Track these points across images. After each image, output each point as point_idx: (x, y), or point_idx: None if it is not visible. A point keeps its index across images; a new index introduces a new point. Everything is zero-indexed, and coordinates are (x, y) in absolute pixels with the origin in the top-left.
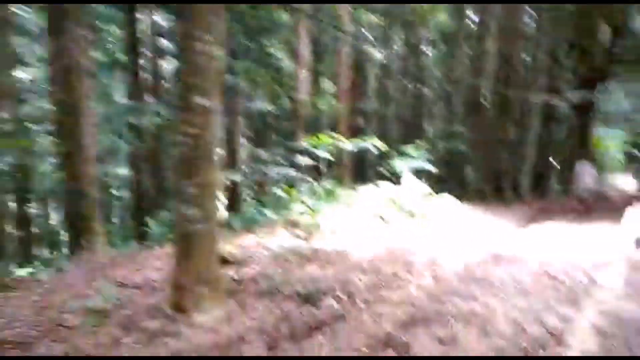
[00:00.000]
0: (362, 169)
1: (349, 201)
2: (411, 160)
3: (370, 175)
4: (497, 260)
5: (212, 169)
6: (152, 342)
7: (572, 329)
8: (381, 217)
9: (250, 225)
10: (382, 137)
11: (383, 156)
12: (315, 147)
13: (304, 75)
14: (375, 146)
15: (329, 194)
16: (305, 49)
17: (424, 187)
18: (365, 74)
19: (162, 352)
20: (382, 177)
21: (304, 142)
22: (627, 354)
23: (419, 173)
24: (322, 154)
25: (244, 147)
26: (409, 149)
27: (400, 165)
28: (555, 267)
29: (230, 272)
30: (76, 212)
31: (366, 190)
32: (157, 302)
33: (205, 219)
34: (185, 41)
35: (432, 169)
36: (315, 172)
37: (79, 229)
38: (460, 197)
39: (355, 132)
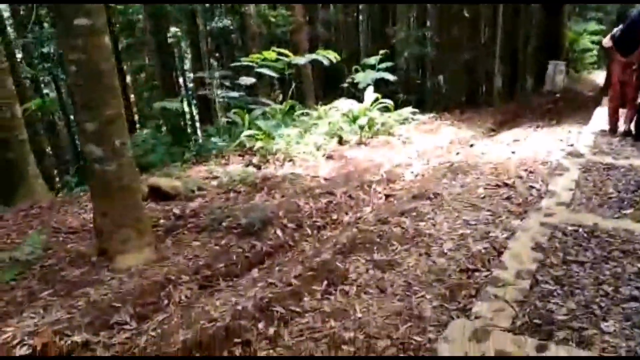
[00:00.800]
0: (330, 87)
1: (307, 122)
2: (373, 73)
3: (339, 93)
4: (453, 172)
5: (112, 99)
6: (70, 294)
7: (515, 244)
8: (338, 136)
9: (201, 156)
10: (348, 49)
11: (349, 71)
12: (257, 64)
13: None
14: (327, 58)
15: (286, 115)
16: None
17: (384, 100)
18: None
19: (82, 304)
20: (348, 93)
21: (245, 60)
22: (564, 270)
23: (384, 85)
24: (266, 71)
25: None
26: (371, 59)
27: (361, 78)
28: (511, 174)
29: (172, 207)
30: (5, 157)
31: (326, 109)
32: (87, 248)
33: (111, 157)
34: None
35: (392, 77)
36: (271, 91)
37: (12, 176)
38: (427, 106)
39: (316, 45)
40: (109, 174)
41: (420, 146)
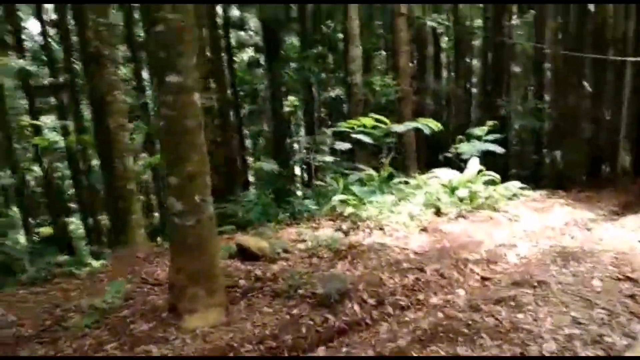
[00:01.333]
0: (435, 157)
1: (403, 191)
2: (479, 143)
3: (441, 162)
4: (565, 258)
5: (195, 156)
6: (133, 349)
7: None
8: (436, 207)
9: (295, 217)
10: (457, 121)
11: (454, 140)
12: (353, 130)
13: (356, 53)
14: (428, 126)
15: (383, 183)
16: (355, 26)
17: (489, 173)
18: (435, 48)
19: None
20: (452, 164)
21: (343, 126)
22: None
23: (491, 158)
24: (363, 137)
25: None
26: (478, 130)
27: (466, 148)
28: (635, 267)
29: (255, 268)
30: (115, 206)
31: (425, 178)
32: (163, 302)
33: (190, 212)
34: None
35: (500, 150)
36: (372, 158)
37: (118, 223)
38: (539, 182)
39: (421, 113)
40: (187, 229)
41: (528, 225)
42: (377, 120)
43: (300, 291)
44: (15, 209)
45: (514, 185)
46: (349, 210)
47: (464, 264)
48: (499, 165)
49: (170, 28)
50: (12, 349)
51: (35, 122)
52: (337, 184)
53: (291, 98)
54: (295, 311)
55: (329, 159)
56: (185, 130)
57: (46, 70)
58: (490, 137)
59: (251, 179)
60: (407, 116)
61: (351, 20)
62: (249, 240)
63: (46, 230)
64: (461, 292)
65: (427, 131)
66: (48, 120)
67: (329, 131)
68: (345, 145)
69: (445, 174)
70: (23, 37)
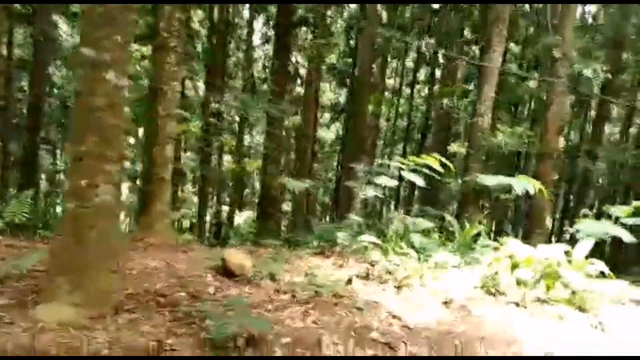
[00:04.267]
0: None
1: (473, 254)
2: (608, 225)
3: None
4: None
5: (94, 137)
6: None
7: None
8: (491, 283)
9: (321, 245)
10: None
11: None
12: (407, 167)
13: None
14: (525, 188)
15: (466, 241)
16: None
17: (598, 263)
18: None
19: None
20: (560, 237)
21: (399, 160)
22: None
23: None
24: (411, 176)
25: None
26: (618, 208)
27: (586, 227)
28: None
29: (213, 287)
30: (146, 191)
31: (507, 246)
32: None
33: (73, 196)
34: None
35: (631, 239)
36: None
37: (143, 207)
38: None
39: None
40: (68, 212)
41: (618, 340)
42: (441, 163)
43: (208, 322)
44: None
45: (623, 286)
46: (374, 255)
47: None
48: (610, 256)
49: None
50: None
51: None
52: (385, 223)
53: None
54: (170, 339)
55: (371, 192)
56: (91, 108)
57: None
58: (632, 220)
59: None
60: (548, 179)
61: (494, 50)
62: (235, 255)
63: None
64: None
65: (518, 191)
66: None
67: (393, 162)
68: (392, 182)
69: (520, 249)
70: None
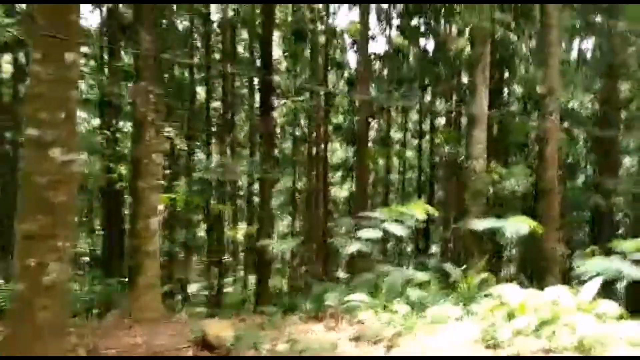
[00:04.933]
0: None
1: (477, 304)
2: (617, 262)
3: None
4: None
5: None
6: None
7: None
8: (490, 339)
9: (315, 308)
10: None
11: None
12: (388, 219)
13: (481, 136)
14: (517, 230)
15: (470, 291)
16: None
17: (609, 304)
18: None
19: None
20: (568, 279)
21: (381, 212)
22: None
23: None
24: (392, 228)
25: None
26: (628, 243)
27: (593, 266)
28: None
29: None
30: (131, 265)
31: (500, 292)
32: None
33: (22, 276)
34: None
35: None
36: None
37: (131, 283)
38: None
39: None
40: (17, 293)
41: None
42: (427, 211)
43: None
44: None
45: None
46: (363, 314)
47: None
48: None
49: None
50: None
51: None
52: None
53: None
54: None
55: (355, 246)
56: (38, 186)
57: None
58: None
59: None
60: (552, 216)
61: (479, 94)
62: (216, 326)
63: None
64: None
65: (509, 233)
66: None
67: (376, 214)
68: (375, 234)
69: (514, 295)
70: None
